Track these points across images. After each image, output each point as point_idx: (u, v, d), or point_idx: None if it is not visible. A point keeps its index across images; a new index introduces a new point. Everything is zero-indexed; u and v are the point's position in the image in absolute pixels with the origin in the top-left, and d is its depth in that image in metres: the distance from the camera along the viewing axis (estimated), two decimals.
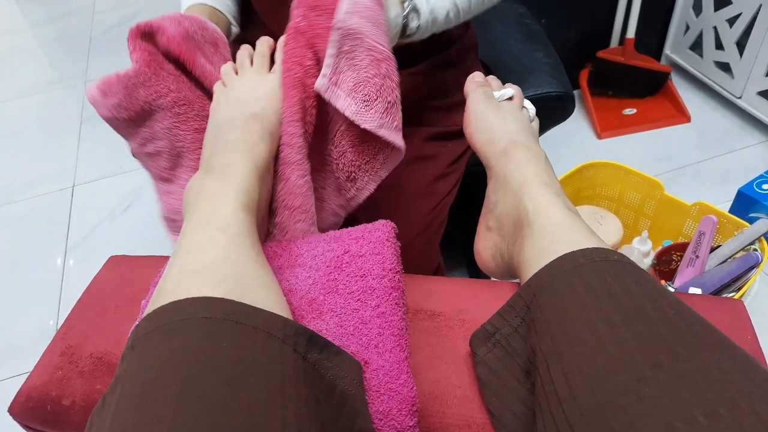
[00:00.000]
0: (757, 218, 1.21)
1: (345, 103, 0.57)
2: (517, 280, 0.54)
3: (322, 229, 0.62)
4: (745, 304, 0.54)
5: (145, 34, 0.61)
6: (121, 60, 2.15)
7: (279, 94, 0.57)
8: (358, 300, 0.49)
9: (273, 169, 0.58)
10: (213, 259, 0.42)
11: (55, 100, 2.04)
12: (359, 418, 0.41)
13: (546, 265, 0.44)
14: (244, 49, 0.63)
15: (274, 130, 0.56)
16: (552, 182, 0.54)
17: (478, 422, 0.46)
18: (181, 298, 0.38)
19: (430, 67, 0.82)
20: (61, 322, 0.63)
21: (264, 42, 0.63)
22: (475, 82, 0.65)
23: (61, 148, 1.80)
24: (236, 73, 0.61)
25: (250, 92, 0.57)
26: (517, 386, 0.43)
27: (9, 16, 2.60)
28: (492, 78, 0.67)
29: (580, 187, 1.23)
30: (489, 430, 0.45)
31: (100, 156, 1.76)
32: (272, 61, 0.62)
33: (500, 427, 0.44)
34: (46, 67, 2.24)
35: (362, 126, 0.58)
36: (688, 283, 1.00)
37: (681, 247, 1.07)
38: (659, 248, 1.11)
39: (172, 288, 0.39)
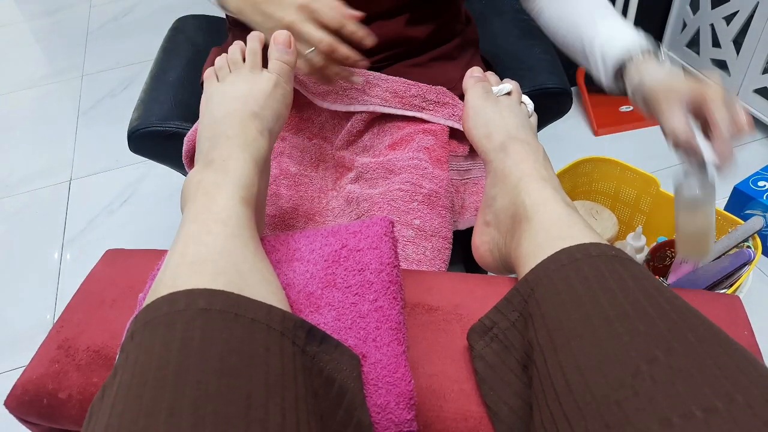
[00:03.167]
0: (752, 215, 1.22)
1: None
2: (514, 275, 0.54)
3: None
4: None
5: None
6: (117, 54, 2.15)
7: (275, 94, 0.58)
8: (356, 294, 0.49)
9: (270, 165, 0.58)
10: (212, 252, 0.42)
11: (51, 94, 2.03)
12: (357, 412, 0.42)
13: (543, 260, 0.44)
14: (236, 45, 0.62)
15: (272, 128, 0.56)
16: (550, 177, 0.54)
17: (475, 416, 0.46)
18: (180, 289, 0.38)
19: (431, 59, 0.83)
20: (57, 316, 0.63)
21: (254, 38, 0.62)
22: (474, 78, 0.65)
23: (58, 142, 1.80)
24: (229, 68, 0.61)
25: (248, 90, 0.57)
26: (515, 380, 0.44)
27: (5, 9, 2.58)
28: (490, 74, 0.68)
29: (576, 183, 1.23)
30: (486, 423, 0.45)
31: (97, 150, 1.75)
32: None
33: (497, 421, 0.44)
34: (43, 61, 2.23)
35: None
36: (682, 279, 1.01)
37: (675, 244, 1.07)
38: (654, 244, 1.12)
39: (171, 279, 0.39)
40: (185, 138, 0.78)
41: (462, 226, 0.77)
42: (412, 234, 0.69)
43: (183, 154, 0.78)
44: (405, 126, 0.78)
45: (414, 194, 0.70)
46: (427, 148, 0.76)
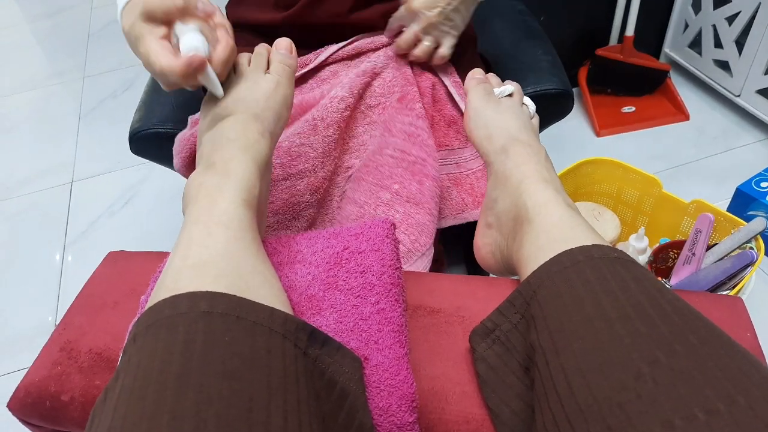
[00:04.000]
0: (755, 216, 1.22)
1: None
2: (516, 277, 0.54)
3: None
4: None
5: None
6: (119, 55, 2.15)
7: (276, 96, 0.58)
8: (358, 296, 0.49)
9: (271, 167, 0.58)
10: (214, 254, 0.42)
11: (53, 95, 2.03)
12: (359, 414, 0.42)
13: (545, 262, 0.44)
14: (245, 54, 0.63)
15: (273, 130, 0.56)
16: (552, 179, 0.54)
17: (477, 418, 0.46)
18: (182, 292, 0.38)
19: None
20: (59, 318, 0.63)
21: (262, 46, 0.63)
22: (475, 79, 0.65)
23: (60, 144, 1.80)
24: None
25: (249, 92, 0.57)
26: (517, 382, 0.44)
27: (6, 11, 2.59)
28: (491, 75, 0.68)
29: (578, 184, 1.23)
30: (488, 426, 0.45)
31: (98, 151, 1.75)
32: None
33: (499, 423, 0.44)
34: (44, 62, 2.23)
35: None
36: (684, 280, 1.01)
37: (678, 245, 1.07)
38: (656, 245, 1.11)
39: (173, 282, 0.39)
40: (176, 138, 0.78)
41: (472, 217, 0.77)
42: (388, 197, 0.71)
43: (174, 157, 0.78)
44: (412, 82, 0.78)
45: (401, 161, 0.73)
46: (424, 115, 0.77)
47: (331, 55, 0.79)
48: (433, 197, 0.72)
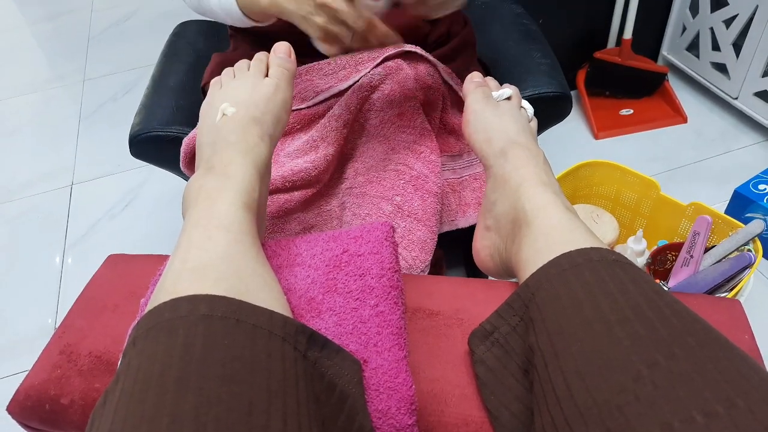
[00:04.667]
0: (752, 218, 1.22)
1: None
2: (515, 280, 0.54)
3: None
4: None
5: None
6: (119, 58, 2.15)
7: (275, 99, 0.58)
8: (357, 299, 0.49)
9: (270, 170, 0.58)
10: (213, 257, 0.42)
11: (53, 98, 2.03)
12: (358, 417, 0.42)
13: (544, 265, 0.45)
14: (244, 60, 0.63)
15: (273, 133, 0.57)
16: (550, 182, 0.54)
17: (476, 420, 0.46)
18: (182, 295, 0.38)
19: None
20: (59, 321, 0.63)
21: (262, 53, 0.64)
22: (474, 82, 0.65)
23: (60, 147, 1.80)
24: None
25: (248, 96, 0.57)
26: (516, 385, 0.44)
27: (7, 14, 2.59)
28: (490, 78, 0.68)
29: (576, 186, 1.23)
30: (487, 428, 0.46)
31: (98, 154, 1.76)
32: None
33: (498, 426, 0.44)
34: (45, 65, 2.24)
35: None
36: (683, 282, 1.01)
37: (676, 247, 1.08)
38: (654, 248, 1.12)
39: (173, 285, 0.39)
40: (183, 141, 0.78)
41: (464, 224, 0.77)
42: (390, 209, 0.72)
43: (181, 157, 0.78)
44: (411, 96, 0.77)
45: (403, 174, 0.73)
46: (429, 130, 0.77)
47: (330, 96, 0.78)
48: (435, 214, 0.73)
